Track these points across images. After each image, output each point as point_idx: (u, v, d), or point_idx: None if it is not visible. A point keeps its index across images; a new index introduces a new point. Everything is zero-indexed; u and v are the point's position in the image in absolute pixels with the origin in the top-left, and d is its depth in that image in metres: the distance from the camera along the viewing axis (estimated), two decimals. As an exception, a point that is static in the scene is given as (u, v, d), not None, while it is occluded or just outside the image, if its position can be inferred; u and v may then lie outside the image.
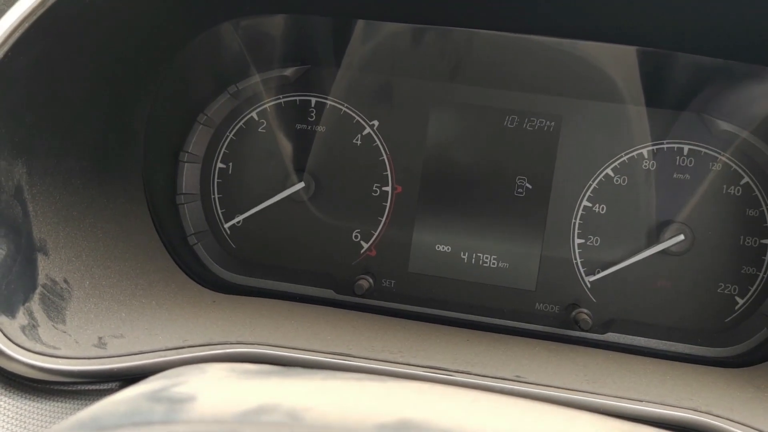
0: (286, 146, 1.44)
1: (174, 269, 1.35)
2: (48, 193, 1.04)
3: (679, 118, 1.35)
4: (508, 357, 1.12)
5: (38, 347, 0.91)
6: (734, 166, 1.35)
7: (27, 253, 0.98)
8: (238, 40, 1.35)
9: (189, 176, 1.43)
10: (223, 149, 1.45)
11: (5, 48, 0.90)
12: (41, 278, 1.00)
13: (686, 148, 1.36)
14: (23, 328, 0.92)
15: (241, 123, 1.44)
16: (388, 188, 1.42)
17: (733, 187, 1.35)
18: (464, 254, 1.41)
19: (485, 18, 1.30)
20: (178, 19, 1.25)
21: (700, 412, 0.94)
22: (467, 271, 1.41)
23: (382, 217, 1.42)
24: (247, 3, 1.28)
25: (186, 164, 1.42)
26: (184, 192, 1.43)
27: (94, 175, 1.17)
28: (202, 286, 1.36)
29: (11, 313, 0.92)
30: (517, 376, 0.99)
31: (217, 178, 1.45)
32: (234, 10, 1.29)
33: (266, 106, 1.44)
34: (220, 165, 1.45)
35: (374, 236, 1.43)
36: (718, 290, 1.36)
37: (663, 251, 1.35)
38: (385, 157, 1.42)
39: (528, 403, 0.66)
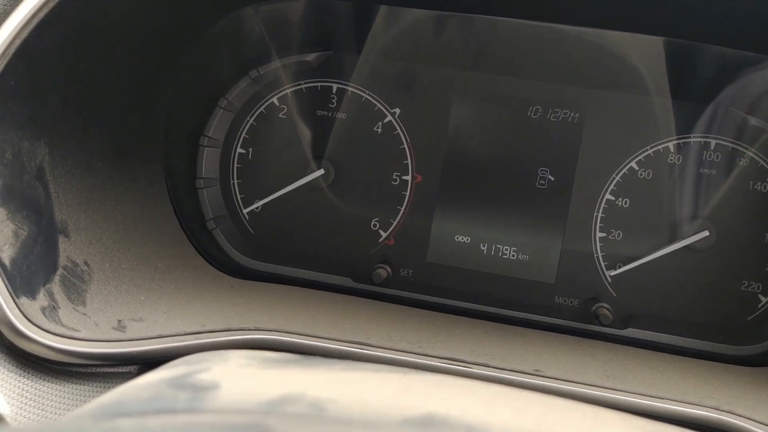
0: (307, 133, 1.43)
1: (192, 254, 1.35)
2: (70, 174, 1.04)
3: (706, 112, 1.33)
4: (527, 350, 1.11)
5: (58, 329, 0.91)
6: (761, 161, 1.32)
7: (48, 235, 0.98)
8: (259, 25, 1.34)
9: (209, 161, 1.43)
10: (244, 134, 1.44)
11: (30, 28, 0.89)
12: (62, 260, 1.00)
13: (713, 142, 1.33)
14: (44, 310, 0.92)
15: (261, 108, 1.43)
16: (408, 177, 1.41)
17: (759, 183, 1.32)
18: (483, 245, 1.40)
19: (509, 5, 1.28)
20: (200, 3, 1.24)
21: (722, 411, 0.93)
22: (486, 262, 1.40)
23: (402, 206, 1.41)
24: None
25: (206, 148, 1.42)
26: (203, 176, 1.42)
27: (115, 157, 1.17)
28: (220, 271, 1.37)
29: (32, 294, 0.92)
30: (537, 370, 0.98)
31: (237, 163, 1.45)
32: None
33: (287, 91, 1.43)
34: (240, 150, 1.44)
35: (393, 225, 1.42)
36: (742, 288, 1.34)
37: (686, 247, 1.33)
38: (405, 145, 1.41)
39: (551, 399, 0.66)
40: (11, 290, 0.88)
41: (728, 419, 0.91)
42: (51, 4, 0.89)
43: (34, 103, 0.96)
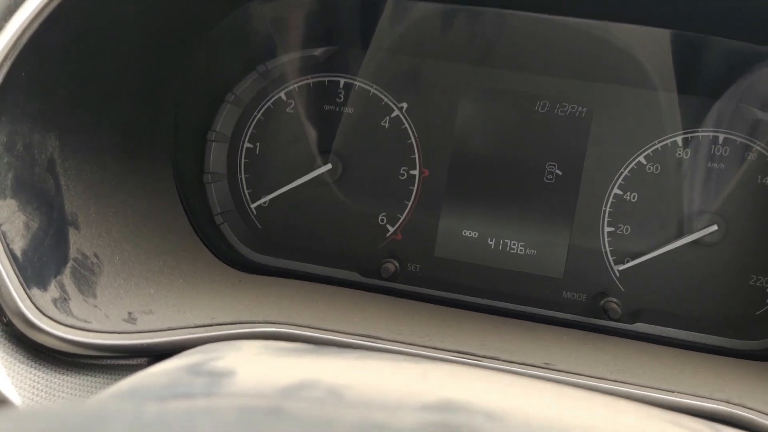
0: (314, 127, 1.43)
1: (200, 248, 1.35)
2: (79, 168, 1.04)
3: (714, 106, 1.32)
4: (537, 345, 1.11)
5: (70, 320, 0.91)
6: (770, 156, 1.32)
7: (59, 227, 0.98)
8: (266, 20, 1.34)
9: (216, 155, 1.43)
10: (251, 129, 1.44)
11: (39, 21, 0.89)
12: (72, 252, 1.00)
13: (721, 137, 1.33)
14: (55, 301, 0.92)
15: (269, 103, 1.43)
16: (416, 172, 1.41)
17: (768, 177, 1.32)
18: (491, 240, 1.40)
19: (516, -2, 1.28)
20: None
21: (733, 404, 0.92)
22: (494, 257, 1.40)
23: (409, 201, 1.41)
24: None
25: (213, 143, 1.42)
26: (211, 171, 1.42)
27: (124, 152, 1.17)
28: (228, 265, 1.37)
29: (43, 286, 0.92)
30: (547, 364, 0.98)
31: (245, 158, 1.45)
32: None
33: (295, 86, 1.43)
34: (247, 145, 1.44)
35: (400, 220, 1.42)
36: (750, 282, 1.33)
37: (695, 242, 1.33)
38: (413, 140, 1.40)
39: (563, 388, 0.66)
40: (23, 281, 0.88)
41: (739, 412, 0.91)
42: (61, -1, 0.89)
43: (45, 95, 0.96)
